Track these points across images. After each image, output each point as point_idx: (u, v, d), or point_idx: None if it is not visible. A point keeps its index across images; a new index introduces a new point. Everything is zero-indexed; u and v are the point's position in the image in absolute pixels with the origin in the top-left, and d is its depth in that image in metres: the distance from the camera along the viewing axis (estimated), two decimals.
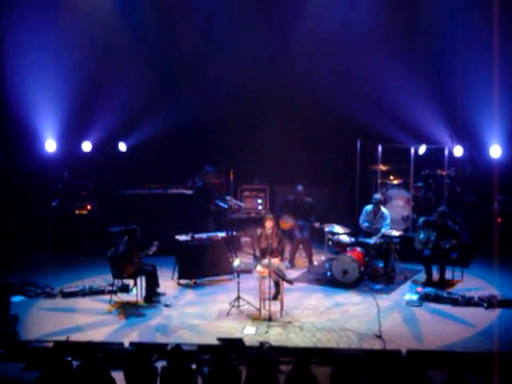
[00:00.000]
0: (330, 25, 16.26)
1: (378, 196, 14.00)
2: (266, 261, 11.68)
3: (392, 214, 14.18)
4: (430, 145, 15.51)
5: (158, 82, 17.16)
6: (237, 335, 10.54)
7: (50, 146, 16.43)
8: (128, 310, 11.87)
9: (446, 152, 15.07)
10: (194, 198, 14.69)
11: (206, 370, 8.36)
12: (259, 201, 17.49)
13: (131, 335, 10.73)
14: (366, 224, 13.76)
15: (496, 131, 15.36)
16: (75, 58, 16.20)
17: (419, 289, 12.50)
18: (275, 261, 11.77)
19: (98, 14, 16.44)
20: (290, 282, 11.65)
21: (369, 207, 13.85)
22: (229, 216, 15.22)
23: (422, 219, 13.31)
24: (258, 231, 12.30)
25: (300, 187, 14.59)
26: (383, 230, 13.34)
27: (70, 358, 8.68)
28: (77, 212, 16.15)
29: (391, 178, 16.04)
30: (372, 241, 13.29)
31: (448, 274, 12.95)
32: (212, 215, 14.73)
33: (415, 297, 12.20)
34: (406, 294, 12.47)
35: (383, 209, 13.86)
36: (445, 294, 12.09)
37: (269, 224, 12.14)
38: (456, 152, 15.28)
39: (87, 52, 16.41)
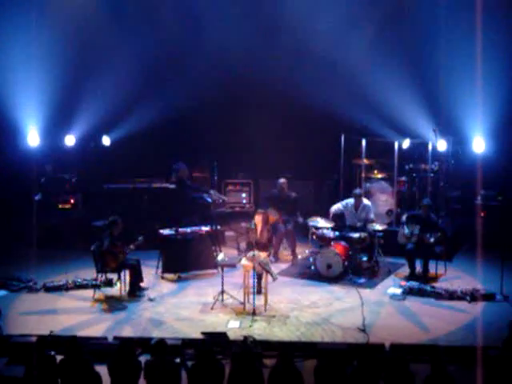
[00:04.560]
0: (314, 20, 16.24)
1: (358, 190, 14.05)
2: (251, 253, 11.67)
3: (375, 208, 14.22)
4: (414, 139, 15.57)
5: (142, 76, 17.07)
6: (221, 329, 10.52)
7: (33, 139, 16.33)
8: (112, 305, 11.83)
9: (430, 146, 15.11)
10: (177, 194, 14.67)
11: (189, 364, 8.36)
12: (243, 195, 17.49)
13: (115, 329, 10.69)
14: (348, 222, 13.89)
15: (479, 126, 15.44)
16: (58, 50, 16.07)
17: (403, 282, 12.53)
18: (261, 254, 11.79)
19: (80, 6, 16.33)
20: (273, 277, 11.65)
21: (350, 201, 13.90)
22: (213, 210, 15.18)
23: (405, 215, 13.35)
24: (247, 225, 12.47)
25: (282, 180, 14.56)
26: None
27: (53, 353, 8.64)
28: (60, 206, 16.11)
29: (375, 172, 16.09)
30: (356, 235, 13.33)
31: (431, 268, 13.01)
32: (196, 209, 14.69)
33: (399, 290, 12.23)
34: (390, 287, 12.50)
35: (365, 201, 13.91)
36: (428, 288, 12.14)
37: (258, 219, 12.26)
38: (440, 146, 15.34)
39: (71, 44, 16.28)
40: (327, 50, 16.39)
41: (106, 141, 17.12)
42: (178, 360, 8.35)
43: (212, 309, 11.55)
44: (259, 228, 12.25)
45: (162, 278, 13.25)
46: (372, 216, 13.75)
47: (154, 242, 13.38)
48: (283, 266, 13.97)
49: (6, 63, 15.78)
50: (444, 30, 15.45)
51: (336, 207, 14.00)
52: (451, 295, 11.90)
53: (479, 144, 15.41)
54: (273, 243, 12.73)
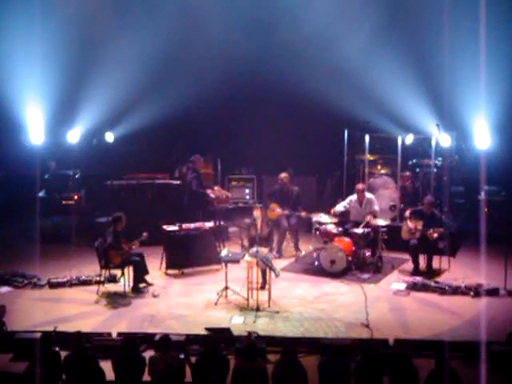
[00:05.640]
0: (316, 16, 16.23)
1: (360, 186, 14.02)
2: (254, 249, 11.68)
3: (379, 203, 14.21)
4: (418, 134, 15.55)
5: (146, 73, 17.06)
6: (225, 325, 10.54)
7: (37, 136, 16.33)
8: (116, 301, 11.85)
9: (434, 142, 15.09)
10: (187, 188, 14.61)
11: (193, 359, 8.38)
12: (247, 190, 17.45)
13: (119, 325, 10.72)
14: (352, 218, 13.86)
15: (483, 121, 15.38)
16: (62, 47, 16.07)
17: (406, 278, 12.53)
18: (263, 250, 11.80)
19: (83, 3, 16.33)
20: (276, 274, 11.64)
21: (353, 197, 13.88)
22: (216, 206, 15.17)
23: (409, 211, 13.33)
24: (248, 220, 12.46)
25: (284, 174, 14.46)
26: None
27: (57, 349, 8.67)
28: (64, 202, 16.11)
29: (378, 167, 16.08)
30: (359, 230, 13.32)
31: (435, 263, 13.00)
32: (199, 205, 14.67)
33: (402, 286, 12.24)
34: (394, 283, 12.50)
35: (368, 195, 13.88)
36: (432, 283, 12.14)
37: (257, 214, 12.27)
38: (443, 142, 15.31)
39: (74, 41, 16.28)
40: (330, 46, 16.38)
41: (110, 137, 17.12)
42: (182, 356, 8.38)
43: (216, 304, 11.57)
44: (259, 223, 12.29)
45: (166, 273, 13.25)
46: (376, 207, 13.72)
47: (157, 238, 13.40)
48: (287, 261, 13.95)
49: (9, 60, 15.78)
50: (447, 25, 15.41)
51: (339, 208, 13.94)
52: (455, 290, 11.91)
53: (483, 139, 15.38)
54: (272, 238, 12.69)
